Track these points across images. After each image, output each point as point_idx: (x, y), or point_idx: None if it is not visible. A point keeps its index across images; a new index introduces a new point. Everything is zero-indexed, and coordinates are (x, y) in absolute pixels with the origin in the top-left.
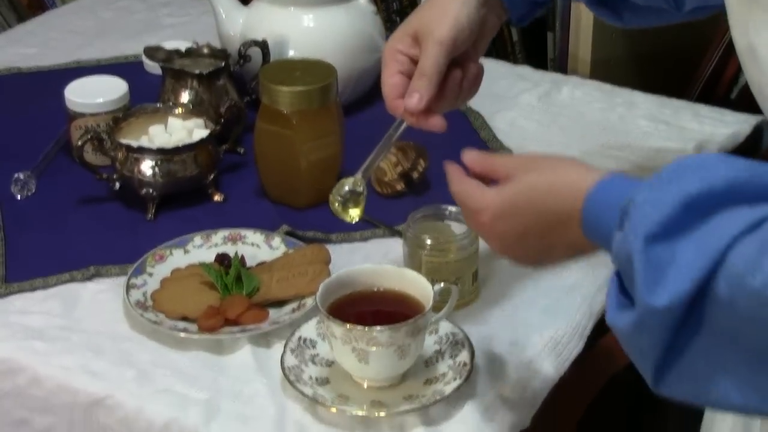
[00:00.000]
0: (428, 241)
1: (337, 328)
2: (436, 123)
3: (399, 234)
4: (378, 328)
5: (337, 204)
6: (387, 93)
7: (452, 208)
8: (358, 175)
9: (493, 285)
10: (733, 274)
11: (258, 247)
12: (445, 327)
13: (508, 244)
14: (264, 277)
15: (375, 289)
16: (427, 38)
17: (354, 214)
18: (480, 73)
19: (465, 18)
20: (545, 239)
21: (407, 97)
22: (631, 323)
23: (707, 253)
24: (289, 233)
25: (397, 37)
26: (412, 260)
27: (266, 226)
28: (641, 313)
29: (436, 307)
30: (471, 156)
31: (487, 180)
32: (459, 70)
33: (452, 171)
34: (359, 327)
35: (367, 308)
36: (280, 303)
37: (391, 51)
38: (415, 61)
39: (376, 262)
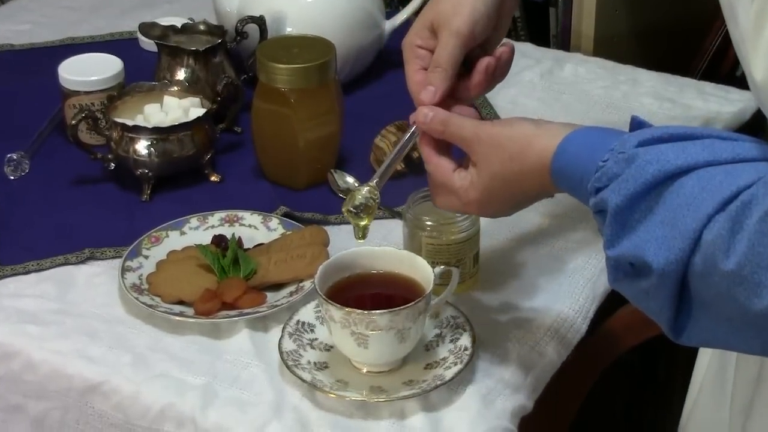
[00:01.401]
0: (428, 223)
1: (336, 312)
2: (466, 113)
3: (399, 215)
4: (377, 311)
5: (349, 215)
6: (414, 92)
7: None
8: (372, 184)
9: (495, 267)
10: (708, 254)
11: (255, 228)
12: (445, 310)
13: (485, 213)
14: (261, 260)
15: (374, 272)
16: (444, 29)
17: (365, 221)
18: (510, 55)
19: (482, 6)
20: (520, 198)
21: (422, 90)
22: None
23: (685, 234)
24: (286, 215)
25: (415, 31)
26: (412, 242)
27: (264, 207)
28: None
29: (437, 290)
30: (433, 126)
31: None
32: (488, 56)
33: (428, 154)
34: (358, 311)
35: (367, 291)
36: (277, 286)
37: (410, 47)
38: None
39: (375, 244)
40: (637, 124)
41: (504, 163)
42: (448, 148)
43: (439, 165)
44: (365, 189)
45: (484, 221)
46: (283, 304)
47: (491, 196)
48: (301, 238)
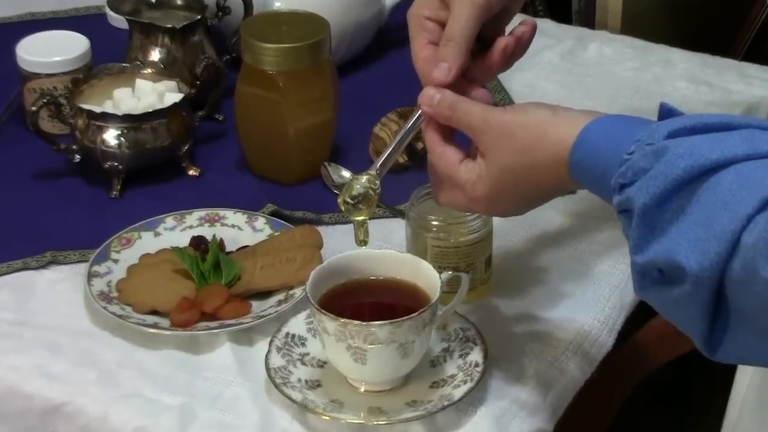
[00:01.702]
0: (434, 222)
1: (330, 323)
2: (479, 96)
3: (401, 214)
4: (377, 323)
5: (346, 206)
6: (421, 69)
7: None
8: (372, 172)
9: (510, 272)
10: (747, 259)
11: (239, 229)
12: (454, 321)
13: (494, 212)
14: (246, 264)
15: (373, 278)
16: None
17: (363, 214)
18: (531, 34)
19: None
20: (533, 194)
21: (434, 67)
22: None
23: (722, 235)
24: (274, 213)
25: (422, 1)
26: (416, 244)
27: (249, 204)
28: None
29: (444, 299)
30: (440, 110)
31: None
32: (503, 32)
33: (432, 142)
34: (355, 322)
35: (365, 300)
36: (264, 294)
37: (417, 18)
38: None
39: (375, 246)
40: (666, 111)
41: (516, 154)
42: (452, 135)
43: (443, 155)
44: (364, 178)
45: (498, 220)
46: (270, 314)
47: (501, 192)
48: (290, 240)
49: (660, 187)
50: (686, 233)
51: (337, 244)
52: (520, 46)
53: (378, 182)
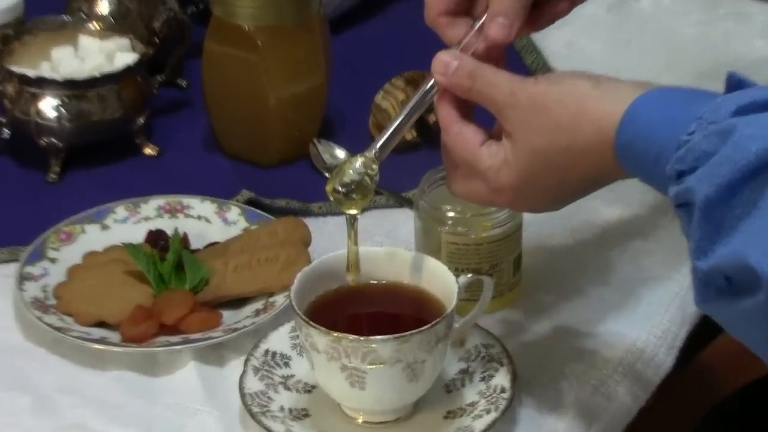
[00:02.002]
0: (450, 214)
1: (321, 338)
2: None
3: (409, 203)
4: (378, 337)
5: (335, 196)
6: (437, 23)
7: None
8: (370, 154)
9: (544, 276)
10: None
11: (207, 221)
12: (474, 336)
13: (522, 206)
14: (216, 265)
15: (374, 283)
16: None
17: (357, 206)
18: None
19: None
20: (571, 185)
21: (489, 22)
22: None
23: None
24: (251, 202)
25: None
26: (428, 241)
27: (219, 191)
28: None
29: (462, 308)
30: (457, 79)
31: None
32: None
33: (447, 119)
34: (351, 336)
35: (364, 309)
36: (238, 302)
37: None
38: None
39: (376, 243)
40: (736, 82)
41: (549, 135)
42: (472, 111)
43: (461, 135)
44: (359, 161)
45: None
46: (245, 327)
47: (531, 182)
48: (271, 235)
49: (727, 175)
50: (759, 232)
51: (329, 240)
52: None
53: (376, 167)
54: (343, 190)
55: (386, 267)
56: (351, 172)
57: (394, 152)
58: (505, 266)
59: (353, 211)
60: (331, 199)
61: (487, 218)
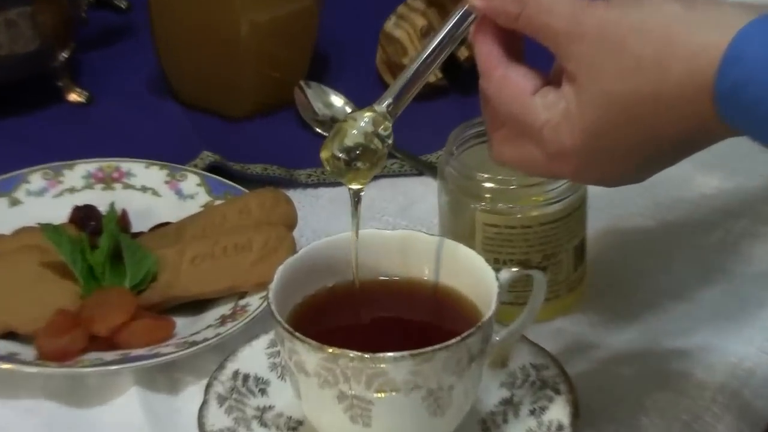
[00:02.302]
0: (488, 185)
1: (311, 356)
2: None
3: (431, 170)
4: (389, 354)
5: (334, 164)
6: None
7: None
8: (381, 107)
9: (615, 270)
10: None
11: (155, 194)
12: (521, 353)
13: (591, 175)
14: (167, 254)
15: (383, 279)
16: None
17: (362, 178)
18: None
19: None
20: (654, 145)
21: None
22: None
23: None
24: (215, 168)
25: None
26: (458, 221)
27: (171, 152)
28: None
29: (504, 314)
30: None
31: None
32: None
33: (486, 58)
34: (353, 353)
35: (369, 316)
36: (198, 305)
37: None
38: None
39: (384, 224)
40: None
41: (626, 77)
42: (521, 49)
43: (506, 81)
44: (366, 118)
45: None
46: (207, 340)
47: (602, 143)
48: (243, 214)
49: None
50: None
51: (322, 219)
52: None
53: (389, 125)
54: (345, 156)
55: (400, 257)
56: (355, 132)
57: (412, 100)
58: (564, 257)
59: (357, 186)
60: (328, 168)
61: (539, 190)
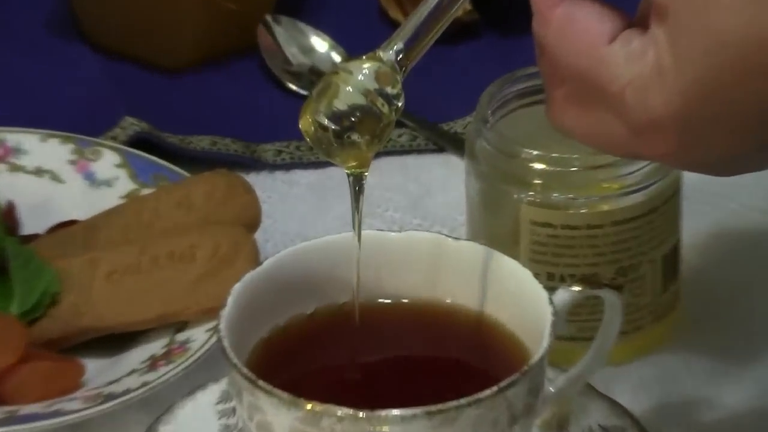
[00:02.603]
0: (539, 166)
1: (281, 415)
2: None
3: (455, 144)
4: (395, 413)
5: (318, 135)
6: None
7: None
8: (387, 54)
9: (721, 290)
10: None
11: (56, 179)
12: (589, 410)
13: (693, 154)
14: (73, 267)
15: (384, 302)
16: None
17: (361, 157)
18: None
19: None
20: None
21: None
22: None
23: None
24: (143, 140)
25: None
26: (494, 218)
27: (79, 118)
28: None
29: (562, 354)
30: None
31: None
32: None
33: None
34: (342, 411)
35: (364, 356)
36: (117, 341)
37: None
38: None
39: (389, 222)
40: None
41: (747, 7)
42: None
43: (570, 24)
44: (365, 69)
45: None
46: (132, 392)
47: (710, 108)
48: (182, 208)
49: None
50: None
51: (297, 215)
52: None
53: (400, 79)
54: (335, 125)
55: (410, 272)
56: (350, 90)
57: (434, 48)
58: (648, 272)
59: (355, 167)
60: (309, 140)
61: (612, 173)
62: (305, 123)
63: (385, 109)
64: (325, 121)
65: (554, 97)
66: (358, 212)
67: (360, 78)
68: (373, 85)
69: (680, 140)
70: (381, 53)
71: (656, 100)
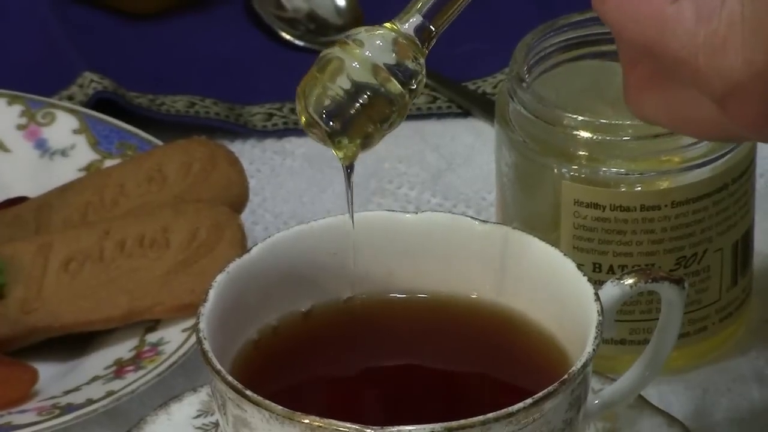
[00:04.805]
0: (584, 134)
1: (273, 430)
2: None
3: (484, 107)
4: (408, 429)
5: (311, 126)
6: None
7: None
8: (406, 28)
9: None
10: None
11: (1, 147)
12: (645, 429)
13: None
14: (23, 255)
15: (399, 298)
16: None
17: (370, 144)
18: None
19: None
20: None
21: None
22: None
23: None
24: (104, 99)
25: None
26: (531, 197)
27: (31, 75)
28: None
29: (609, 361)
30: None
31: None
32: None
33: None
34: (345, 427)
35: (371, 361)
36: (74, 342)
37: None
38: None
39: (402, 202)
40: None
41: None
42: None
43: None
44: (378, 40)
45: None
46: (92, 402)
47: None
48: (153, 183)
49: None
50: None
51: (292, 192)
52: None
53: (422, 55)
54: (326, 127)
55: (427, 260)
56: (357, 67)
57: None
58: (715, 263)
59: (345, 153)
60: (309, 131)
61: (672, 144)
62: (304, 109)
63: (399, 90)
64: (316, 117)
65: (630, 80)
66: (349, 190)
67: (369, 53)
68: (386, 59)
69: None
70: (398, 23)
71: (735, 60)
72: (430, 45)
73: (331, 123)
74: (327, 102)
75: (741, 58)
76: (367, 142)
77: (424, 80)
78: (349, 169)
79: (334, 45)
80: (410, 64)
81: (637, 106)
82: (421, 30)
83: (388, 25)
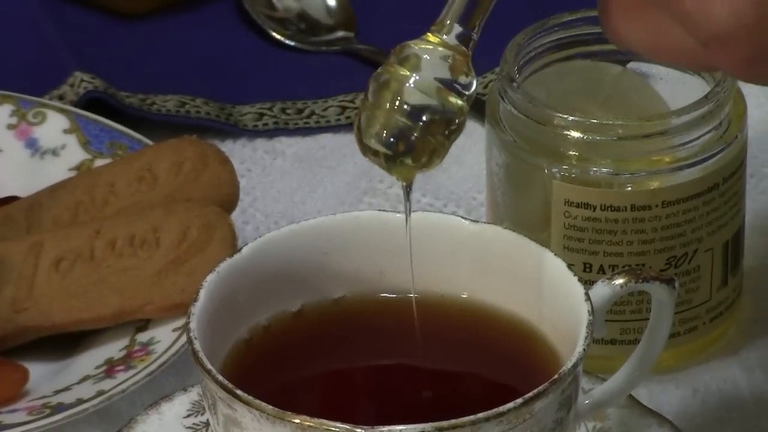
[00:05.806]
0: (575, 133)
1: (264, 429)
2: None
3: (474, 104)
4: (399, 429)
5: (372, 152)
6: None
7: None
8: (451, 38)
9: None
10: None
11: None
12: (636, 429)
13: None
14: (13, 254)
15: (387, 298)
16: None
17: (431, 165)
18: None
19: None
20: None
21: None
22: None
23: None
24: (95, 99)
25: None
26: (521, 197)
27: (22, 74)
28: None
29: (599, 361)
30: None
31: None
32: None
33: None
34: (336, 427)
35: (361, 360)
36: (64, 342)
37: None
38: None
39: (392, 201)
40: None
41: None
42: None
43: None
44: (428, 52)
45: (759, 134)
46: (82, 402)
47: None
48: (143, 183)
49: None
50: None
51: (283, 192)
52: None
53: (470, 63)
54: (389, 151)
55: (418, 260)
56: (414, 90)
57: None
58: (705, 262)
59: (404, 173)
60: (362, 150)
61: (663, 143)
62: (358, 135)
63: (458, 102)
64: (380, 148)
65: (613, 2)
66: (408, 203)
67: (423, 72)
68: (441, 75)
69: (753, 54)
70: (440, 35)
71: (722, 10)
72: (472, 46)
73: (394, 149)
74: (387, 131)
75: (728, 9)
76: (430, 161)
77: (478, 86)
78: (408, 188)
79: (384, 67)
80: (465, 77)
81: (616, 30)
82: (462, 38)
83: (431, 37)
